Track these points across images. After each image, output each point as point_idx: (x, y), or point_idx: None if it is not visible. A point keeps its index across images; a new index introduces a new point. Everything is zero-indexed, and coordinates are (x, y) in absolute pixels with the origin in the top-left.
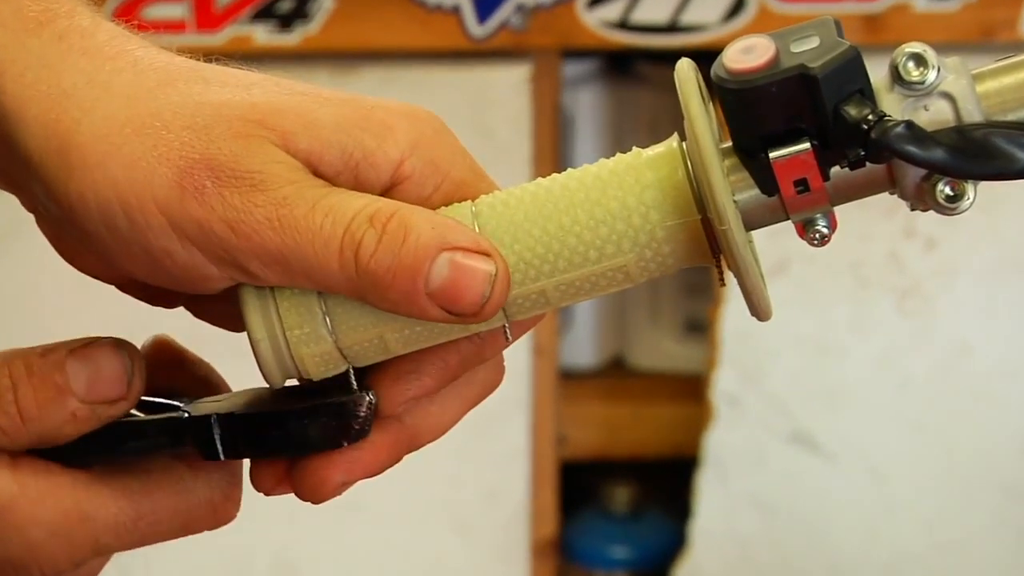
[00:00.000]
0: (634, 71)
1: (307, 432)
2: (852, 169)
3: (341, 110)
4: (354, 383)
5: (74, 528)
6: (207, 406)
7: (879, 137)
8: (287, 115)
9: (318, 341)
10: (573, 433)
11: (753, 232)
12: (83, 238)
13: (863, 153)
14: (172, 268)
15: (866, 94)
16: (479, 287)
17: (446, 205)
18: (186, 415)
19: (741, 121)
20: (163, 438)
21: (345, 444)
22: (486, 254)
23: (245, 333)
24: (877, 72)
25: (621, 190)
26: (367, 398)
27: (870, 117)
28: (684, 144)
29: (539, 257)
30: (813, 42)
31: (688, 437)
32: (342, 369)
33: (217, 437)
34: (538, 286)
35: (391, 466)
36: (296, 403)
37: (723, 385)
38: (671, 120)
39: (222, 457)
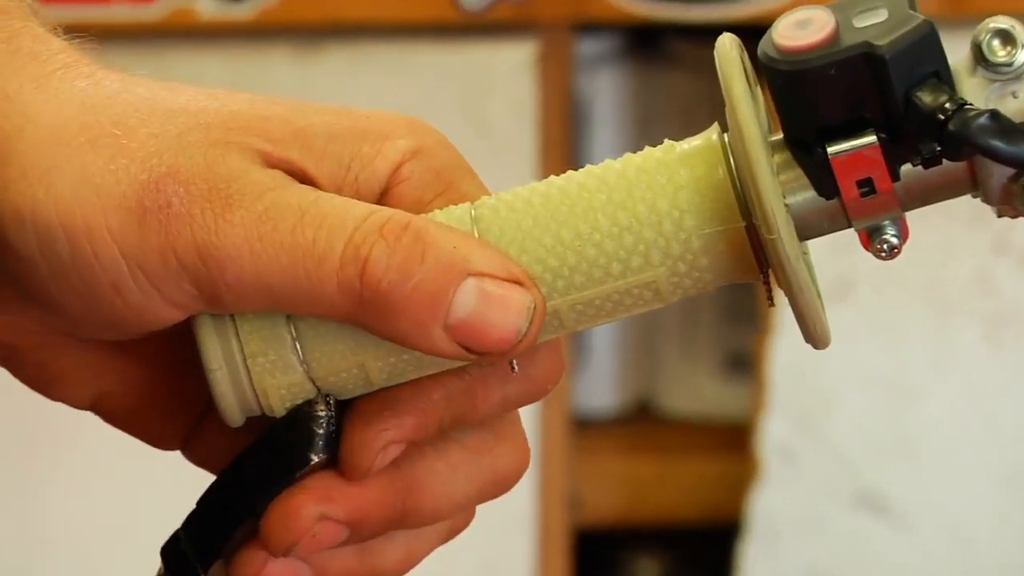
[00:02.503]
0: (664, 49)
1: (267, 463)
2: (926, 167)
3: (333, 119)
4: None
5: None
6: None
7: (958, 129)
8: (273, 122)
9: (286, 370)
10: (589, 493)
11: (809, 243)
12: (11, 267)
13: (939, 148)
14: (119, 306)
15: (943, 78)
16: (514, 321)
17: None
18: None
19: (794, 109)
20: None
21: (314, 457)
22: (519, 283)
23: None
24: (956, 52)
25: (650, 191)
26: (320, 393)
27: (947, 105)
28: (726, 136)
29: (552, 271)
30: (880, 15)
31: (730, 498)
32: None
33: (189, 549)
34: (550, 306)
35: (387, 517)
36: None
37: (773, 434)
38: (708, 109)
39: (200, 573)
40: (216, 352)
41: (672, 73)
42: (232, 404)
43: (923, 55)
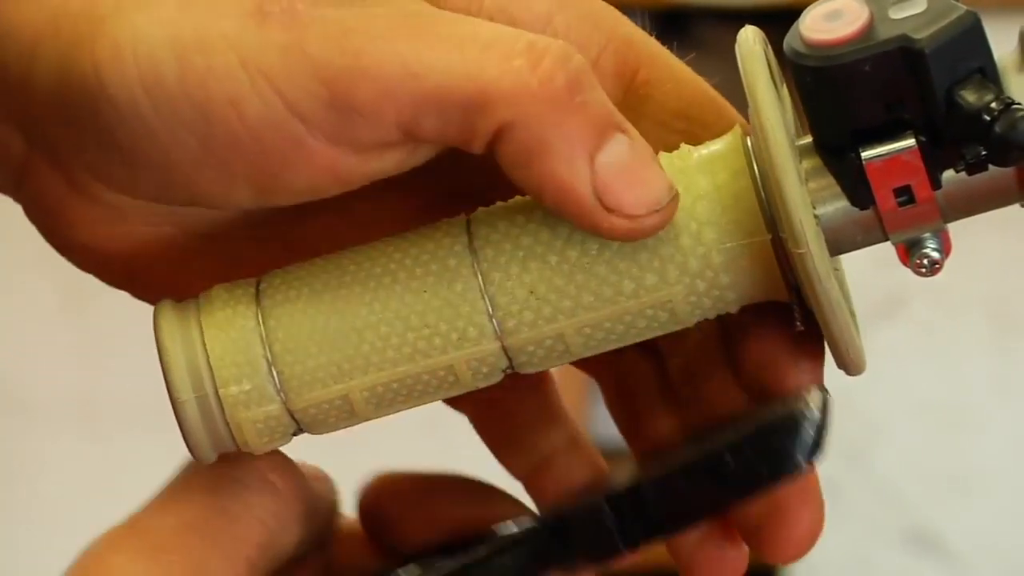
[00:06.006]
0: (692, 35)
1: (751, 464)
2: (970, 173)
3: None
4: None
5: None
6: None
7: (1005, 131)
8: None
9: (261, 401)
10: None
11: (853, 255)
12: (104, 125)
13: (984, 152)
14: (236, 127)
15: (988, 74)
16: (659, 187)
17: (617, 74)
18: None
19: (824, 110)
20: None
21: (803, 464)
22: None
23: None
24: (1003, 46)
25: None
26: (821, 395)
27: (994, 105)
28: (749, 140)
29: (557, 290)
30: (919, 5)
31: None
32: (289, 439)
33: (613, 524)
34: (555, 328)
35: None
36: (717, 439)
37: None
38: (741, 100)
39: (622, 548)
40: (184, 380)
41: (700, 60)
42: (203, 440)
43: (966, 49)
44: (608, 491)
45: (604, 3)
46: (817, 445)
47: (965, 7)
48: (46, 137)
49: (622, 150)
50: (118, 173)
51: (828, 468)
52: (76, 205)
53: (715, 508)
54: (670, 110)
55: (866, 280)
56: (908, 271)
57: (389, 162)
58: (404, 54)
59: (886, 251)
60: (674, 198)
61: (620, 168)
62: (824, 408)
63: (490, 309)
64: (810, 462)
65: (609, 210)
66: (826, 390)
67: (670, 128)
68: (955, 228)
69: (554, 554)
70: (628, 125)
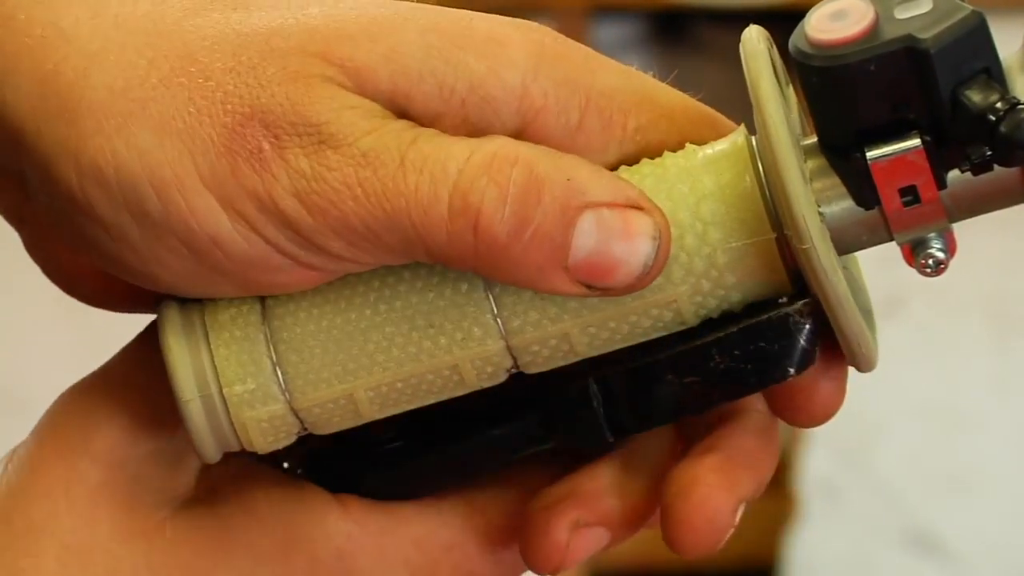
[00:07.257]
0: (691, 36)
1: (741, 366)
2: (975, 173)
3: (429, 27)
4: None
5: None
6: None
7: (1011, 131)
8: (358, 42)
9: (266, 400)
10: None
11: (849, 256)
12: (93, 235)
13: (990, 152)
14: (223, 262)
15: (994, 75)
16: (640, 252)
17: (605, 129)
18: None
19: (829, 109)
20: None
21: (792, 371)
22: (638, 207)
23: None
24: (1008, 46)
25: (670, 201)
26: (800, 298)
27: (999, 105)
28: (754, 140)
29: None
30: (924, 5)
31: (765, 539)
32: (293, 439)
33: (600, 413)
34: (559, 327)
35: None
36: (705, 333)
37: (814, 468)
38: (742, 103)
39: (610, 438)
40: (189, 380)
41: (700, 62)
42: (208, 440)
43: (971, 49)
44: (595, 370)
45: (578, 55)
46: (808, 354)
47: (971, 7)
48: (36, 214)
49: (590, 237)
50: (100, 263)
51: (828, 468)
52: (73, 261)
53: (699, 404)
54: (671, 146)
55: (866, 280)
56: (908, 271)
57: (373, 264)
58: (363, 218)
59: (886, 251)
60: (663, 236)
61: (596, 256)
62: (816, 317)
63: (495, 308)
64: (799, 371)
65: (604, 290)
66: (817, 301)
67: None
68: (955, 228)
69: (536, 439)
70: (587, 183)
